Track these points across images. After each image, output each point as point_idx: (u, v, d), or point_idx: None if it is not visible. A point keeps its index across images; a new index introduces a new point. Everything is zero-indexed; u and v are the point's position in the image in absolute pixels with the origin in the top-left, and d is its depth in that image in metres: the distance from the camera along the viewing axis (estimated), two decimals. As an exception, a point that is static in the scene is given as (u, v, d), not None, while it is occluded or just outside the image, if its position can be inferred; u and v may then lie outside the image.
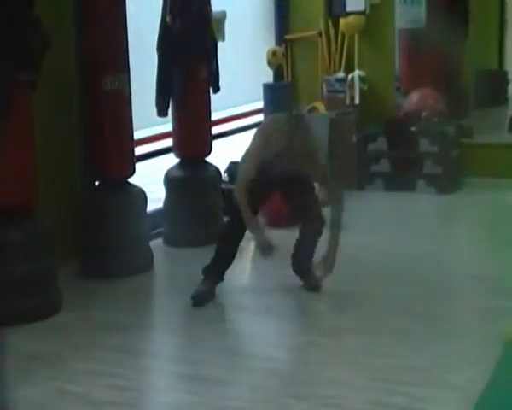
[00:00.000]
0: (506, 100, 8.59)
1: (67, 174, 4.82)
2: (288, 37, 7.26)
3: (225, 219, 4.25)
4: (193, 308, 4.17)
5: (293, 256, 4.36)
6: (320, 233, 4.29)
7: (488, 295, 4.29)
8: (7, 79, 3.83)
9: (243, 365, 3.60)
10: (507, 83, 8.62)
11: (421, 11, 7.12)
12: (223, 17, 6.24)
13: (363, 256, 4.97)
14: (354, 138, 6.77)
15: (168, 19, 5.15)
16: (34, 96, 4.07)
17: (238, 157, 6.20)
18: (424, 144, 6.56)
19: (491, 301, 4.18)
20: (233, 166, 6.08)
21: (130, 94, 4.76)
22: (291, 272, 4.40)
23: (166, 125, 5.54)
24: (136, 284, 4.60)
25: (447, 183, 6.48)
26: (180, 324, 4.12)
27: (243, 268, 5.04)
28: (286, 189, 4.26)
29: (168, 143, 5.59)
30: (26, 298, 3.98)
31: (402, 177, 6.57)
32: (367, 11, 7.08)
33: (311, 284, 4.30)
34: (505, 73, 8.73)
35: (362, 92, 7.01)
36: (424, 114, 6.77)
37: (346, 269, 4.64)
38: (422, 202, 6.37)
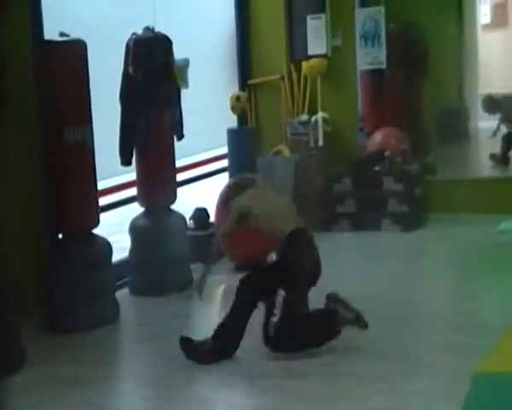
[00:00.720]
0: (467, 136, 8.76)
1: (30, 227, 4.79)
2: (250, 82, 7.34)
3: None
4: (160, 358, 4.13)
5: None
6: None
7: (455, 331, 4.31)
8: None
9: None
10: (467, 119, 8.80)
11: (382, 52, 7.26)
12: (186, 65, 6.29)
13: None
14: (319, 180, 6.83)
15: (130, 69, 5.19)
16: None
17: (203, 203, 6.26)
18: (388, 183, 6.64)
19: (458, 337, 4.20)
20: (198, 213, 6.10)
21: (93, 145, 4.76)
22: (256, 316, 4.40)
23: (130, 175, 5.54)
24: (102, 336, 4.55)
25: (412, 220, 6.55)
26: (147, 375, 4.07)
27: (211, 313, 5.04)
28: None
29: (133, 192, 5.59)
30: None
31: (367, 216, 6.63)
32: (328, 54, 7.21)
33: None
34: (466, 110, 8.91)
35: (325, 134, 7.09)
36: (387, 153, 6.86)
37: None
38: (388, 241, 6.43)
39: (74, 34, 4.71)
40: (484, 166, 7.86)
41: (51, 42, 4.73)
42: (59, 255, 4.73)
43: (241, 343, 4.10)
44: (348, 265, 5.84)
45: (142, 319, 5.00)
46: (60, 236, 4.83)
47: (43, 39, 4.87)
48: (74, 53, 4.70)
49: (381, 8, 7.21)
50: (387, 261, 5.91)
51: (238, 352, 4.07)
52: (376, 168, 6.79)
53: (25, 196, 4.76)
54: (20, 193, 4.70)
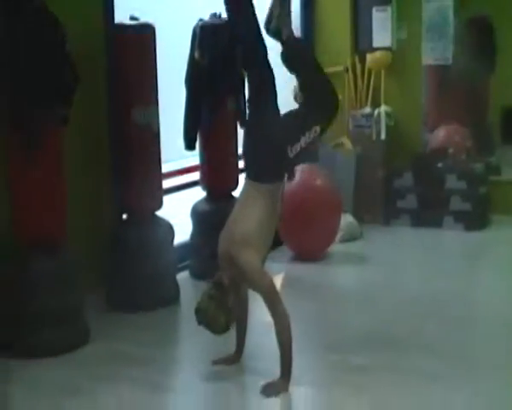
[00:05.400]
0: (534, 136, 8.54)
1: (96, 207, 4.86)
2: (314, 72, 7.29)
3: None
4: (217, 340, 4.13)
5: None
6: None
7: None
8: (40, 110, 3.92)
9: (268, 400, 3.56)
10: (534, 119, 8.57)
11: (449, 47, 7.13)
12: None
13: (389, 294, 4.93)
14: (380, 174, 6.77)
15: (196, 54, 5.21)
16: (65, 129, 4.12)
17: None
18: (451, 181, 6.53)
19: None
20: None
21: (159, 127, 4.80)
22: (312, 304, 4.37)
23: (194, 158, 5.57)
24: (162, 317, 4.60)
25: (475, 219, 6.43)
26: (205, 356, 4.09)
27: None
28: None
29: (195, 176, 5.63)
30: (55, 330, 3.99)
31: (429, 213, 6.54)
32: (394, 47, 7.12)
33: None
34: (533, 110, 8.69)
35: (388, 128, 7.01)
36: (451, 150, 6.74)
37: (372, 307, 4.61)
38: (450, 239, 6.33)
39: (144, 18, 4.76)
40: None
41: (122, 25, 4.78)
42: (123, 236, 4.78)
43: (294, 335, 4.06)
44: (408, 260, 5.77)
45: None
46: (124, 216, 4.89)
47: (114, 23, 4.93)
48: (143, 36, 4.74)
49: (450, 1, 7.08)
50: (448, 259, 5.82)
51: (294, 342, 4.01)
52: (439, 165, 6.69)
53: (93, 175, 4.83)
54: (87, 172, 4.78)
